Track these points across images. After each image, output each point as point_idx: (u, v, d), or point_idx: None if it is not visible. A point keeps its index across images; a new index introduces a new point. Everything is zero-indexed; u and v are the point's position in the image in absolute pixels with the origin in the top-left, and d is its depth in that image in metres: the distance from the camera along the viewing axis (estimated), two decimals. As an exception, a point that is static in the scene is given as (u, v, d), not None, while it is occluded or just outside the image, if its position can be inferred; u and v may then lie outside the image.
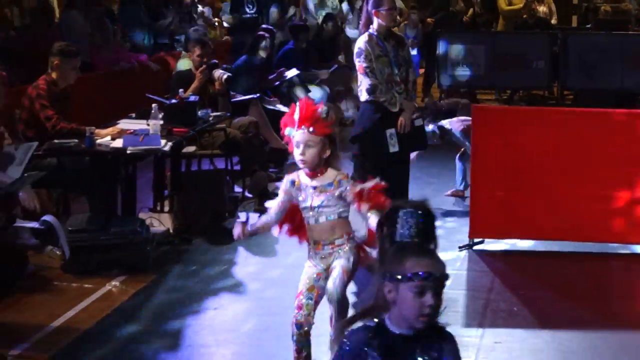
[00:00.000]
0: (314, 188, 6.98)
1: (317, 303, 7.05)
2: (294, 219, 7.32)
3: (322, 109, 6.93)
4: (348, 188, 6.92)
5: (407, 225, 4.46)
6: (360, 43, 10.32)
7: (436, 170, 13.59)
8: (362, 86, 10.34)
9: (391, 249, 4.48)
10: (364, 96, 10.37)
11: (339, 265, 6.99)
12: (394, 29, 11.29)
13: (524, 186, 10.71)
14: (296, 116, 6.90)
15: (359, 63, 10.27)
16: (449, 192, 13.07)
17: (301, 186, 7.04)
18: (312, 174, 6.98)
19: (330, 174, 6.98)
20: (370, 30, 10.32)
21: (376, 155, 10.32)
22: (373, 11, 10.30)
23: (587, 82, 20.14)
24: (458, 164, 12.97)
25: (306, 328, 6.93)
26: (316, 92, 16.79)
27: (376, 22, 10.31)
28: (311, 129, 6.83)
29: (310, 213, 7.02)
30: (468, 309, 9.23)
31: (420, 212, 4.45)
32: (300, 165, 6.98)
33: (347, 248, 7.05)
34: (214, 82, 12.81)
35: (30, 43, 14.49)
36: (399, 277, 4.33)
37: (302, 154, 6.88)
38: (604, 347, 8.37)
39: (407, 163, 10.85)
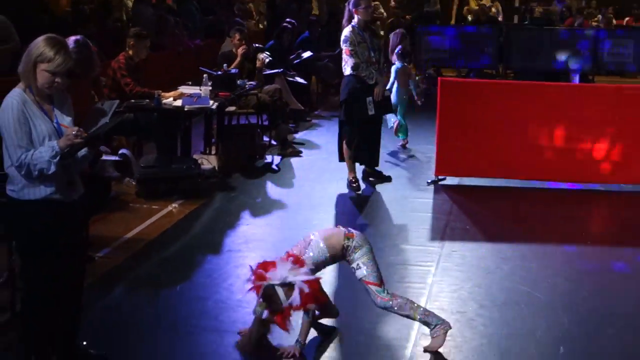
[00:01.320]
0: None
1: None
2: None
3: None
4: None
5: None
6: (346, 32, 10.28)
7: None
8: (348, 64, 10.30)
9: None
10: (348, 71, 10.33)
11: None
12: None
13: (478, 138, 10.76)
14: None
15: (345, 47, 10.25)
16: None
17: None
18: None
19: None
20: (353, 23, 10.30)
21: (358, 116, 10.30)
22: (353, 9, 10.30)
23: (524, 64, 20.14)
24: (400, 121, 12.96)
25: None
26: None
27: (356, 17, 10.30)
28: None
29: None
30: (432, 227, 9.23)
31: None
32: None
33: None
34: (251, 59, 12.95)
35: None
36: None
37: None
38: (530, 254, 8.38)
39: (379, 124, 10.87)
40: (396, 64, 12.74)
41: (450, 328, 6.15)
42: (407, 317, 6.13)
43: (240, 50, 12.95)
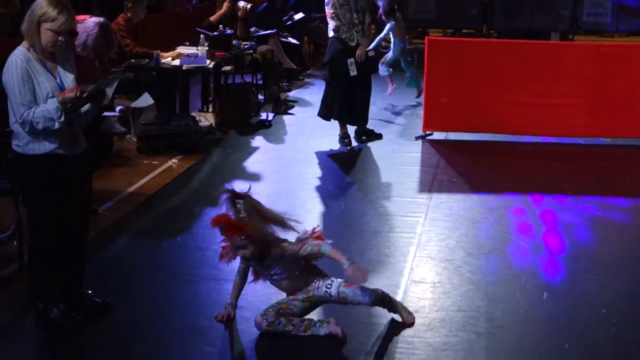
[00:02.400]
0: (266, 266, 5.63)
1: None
2: None
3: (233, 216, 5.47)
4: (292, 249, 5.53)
5: None
6: None
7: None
8: (330, 26, 10.22)
9: None
10: (330, 33, 10.25)
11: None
12: None
13: (463, 94, 10.72)
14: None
15: (328, 10, 10.14)
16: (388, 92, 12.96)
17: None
18: (259, 261, 5.61)
19: (275, 251, 5.51)
20: None
21: (339, 77, 10.19)
22: None
23: (507, 24, 19.98)
24: (388, 71, 12.86)
25: None
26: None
27: None
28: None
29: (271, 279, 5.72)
30: (421, 179, 9.21)
31: None
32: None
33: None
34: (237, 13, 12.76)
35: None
36: None
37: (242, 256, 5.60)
38: (514, 204, 8.36)
39: (368, 89, 10.60)
40: (390, 23, 12.63)
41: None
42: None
43: (226, 4, 12.73)
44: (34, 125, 5.13)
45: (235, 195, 5.47)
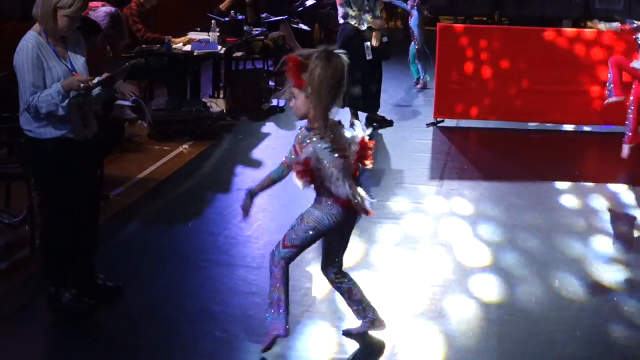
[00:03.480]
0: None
1: None
2: None
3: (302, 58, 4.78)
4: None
5: None
6: None
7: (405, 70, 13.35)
8: (340, 13, 10.35)
9: None
10: (341, 20, 10.36)
11: None
12: None
13: (475, 81, 10.69)
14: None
15: None
16: (419, 86, 12.99)
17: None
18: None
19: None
20: None
21: (351, 64, 10.16)
22: None
23: (519, 11, 19.89)
24: (419, 64, 12.89)
25: None
26: None
27: None
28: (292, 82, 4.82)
29: None
30: (432, 166, 9.21)
31: None
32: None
33: None
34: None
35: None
36: None
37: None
38: (524, 191, 8.39)
39: (380, 75, 10.56)
40: (414, 16, 12.66)
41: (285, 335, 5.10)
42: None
43: None
44: (39, 110, 5.15)
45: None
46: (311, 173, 4.83)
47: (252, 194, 5.13)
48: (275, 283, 4.99)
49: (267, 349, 5.08)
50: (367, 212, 4.92)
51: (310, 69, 4.71)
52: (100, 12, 7.81)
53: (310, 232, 4.96)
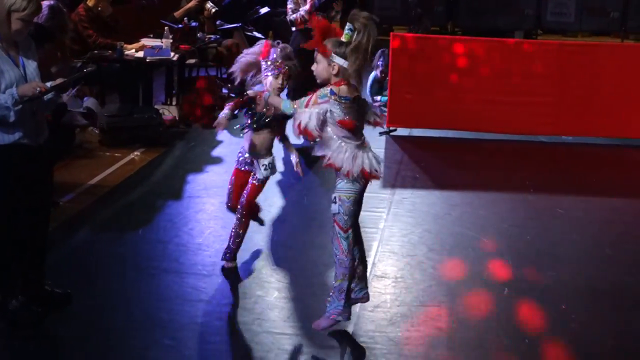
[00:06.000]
0: None
1: None
2: None
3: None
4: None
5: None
6: None
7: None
8: (289, 17, 10.45)
9: None
10: (293, 27, 10.48)
11: None
12: None
13: (427, 91, 10.77)
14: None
15: (289, 5, 10.46)
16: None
17: None
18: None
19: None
20: None
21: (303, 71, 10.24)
22: None
23: (472, 22, 20.06)
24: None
25: None
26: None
27: None
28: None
29: None
30: (384, 175, 9.16)
31: None
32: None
33: None
34: (203, 10, 12.65)
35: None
36: None
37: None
38: (477, 201, 8.41)
39: None
40: None
41: (347, 319, 5.44)
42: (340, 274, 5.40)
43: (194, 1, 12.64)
44: None
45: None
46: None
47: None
48: (345, 272, 5.30)
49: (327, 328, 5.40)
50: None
51: (356, 29, 4.98)
52: (43, 5, 7.79)
53: (353, 204, 5.25)
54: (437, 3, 20.36)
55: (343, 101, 5.09)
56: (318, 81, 5.25)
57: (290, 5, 10.16)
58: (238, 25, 13.70)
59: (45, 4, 7.84)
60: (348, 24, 5.03)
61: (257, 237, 7.10)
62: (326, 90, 5.10)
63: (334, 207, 5.24)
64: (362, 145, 5.29)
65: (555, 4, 19.77)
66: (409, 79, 10.80)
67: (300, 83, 9.80)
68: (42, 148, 5.39)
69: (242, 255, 6.66)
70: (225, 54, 12.39)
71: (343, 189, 5.23)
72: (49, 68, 7.22)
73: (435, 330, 5.67)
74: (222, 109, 6.09)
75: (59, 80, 5.30)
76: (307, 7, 10.21)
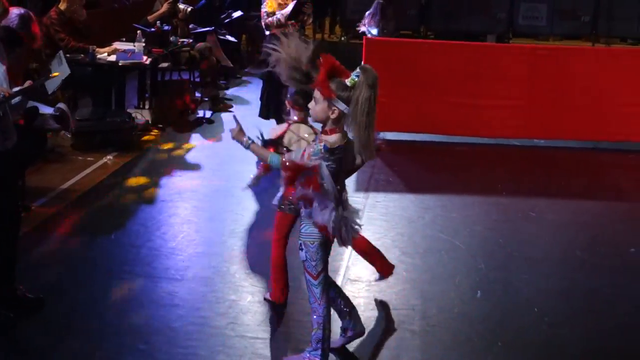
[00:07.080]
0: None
1: None
2: None
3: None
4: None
5: None
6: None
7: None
8: (263, 21, 10.02)
9: None
10: (267, 31, 10.05)
11: None
12: None
13: (401, 94, 10.75)
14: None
15: (262, 9, 10.00)
16: None
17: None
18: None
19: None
20: None
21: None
22: None
23: (444, 26, 20.13)
24: None
25: None
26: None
27: None
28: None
29: None
30: (357, 178, 9.18)
31: None
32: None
33: None
34: (177, 14, 12.59)
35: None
36: None
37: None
38: (450, 204, 8.44)
39: None
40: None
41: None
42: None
43: (167, 3, 12.55)
44: None
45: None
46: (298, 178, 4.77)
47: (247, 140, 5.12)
48: (320, 321, 4.95)
49: None
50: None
51: (356, 90, 4.77)
52: (12, 13, 7.74)
53: (319, 249, 4.87)
54: (409, 6, 20.40)
55: (336, 154, 4.76)
56: (312, 121, 4.97)
57: (264, 9, 10.09)
58: (211, 28, 13.67)
59: (15, 12, 7.78)
60: (357, 70, 4.80)
61: (231, 241, 7.11)
62: (319, 146, 4.72)
63: (301, 255, 4.89)
64: (341, 199, 5.03)
65: (527, 8, 19.89)
66: (381, 82, 10.71)
67: (275, 89, 9.85)
68: (9, 153, 5.35)
69: (216, 260, 6.66)
70: (198, 57, 12.36)
71: (306, 233, 4.87)
72: (20, 72, 7.16)
73: (408, 333, 5.68)
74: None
75: (26, 84, 5.27)
76: (287, 10, 9.87)
